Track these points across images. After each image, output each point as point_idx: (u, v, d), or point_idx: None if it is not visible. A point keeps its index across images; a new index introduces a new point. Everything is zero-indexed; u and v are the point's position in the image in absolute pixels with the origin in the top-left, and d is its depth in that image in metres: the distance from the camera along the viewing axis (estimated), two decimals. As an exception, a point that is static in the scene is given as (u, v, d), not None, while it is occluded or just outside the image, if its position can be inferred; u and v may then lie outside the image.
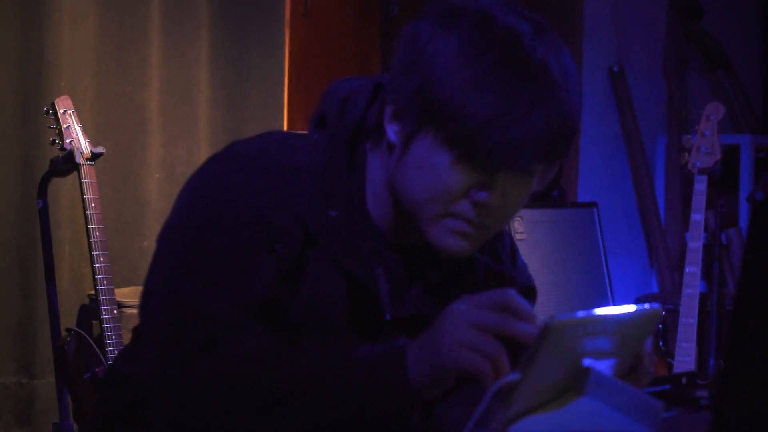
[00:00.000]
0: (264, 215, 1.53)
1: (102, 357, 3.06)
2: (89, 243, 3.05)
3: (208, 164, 1.61)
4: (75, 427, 3.12)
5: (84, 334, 3.11)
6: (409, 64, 1.53)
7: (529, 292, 1.80)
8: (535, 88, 1.48)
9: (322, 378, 1.46)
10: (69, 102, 3.13)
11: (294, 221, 1.54)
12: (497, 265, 1.72)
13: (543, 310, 3.77)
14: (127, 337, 2.57)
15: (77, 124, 3.10)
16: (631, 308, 1.40)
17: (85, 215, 3.06)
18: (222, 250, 1.52)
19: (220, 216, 1.54)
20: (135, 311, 2.98)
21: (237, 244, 1.52)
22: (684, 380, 2.16)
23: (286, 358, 1.49)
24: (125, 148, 3.61)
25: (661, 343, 4.23)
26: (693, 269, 3.91)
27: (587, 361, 1.36)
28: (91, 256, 3.05)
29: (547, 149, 1.51)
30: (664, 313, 1.40)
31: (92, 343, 3.09)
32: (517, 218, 4.30)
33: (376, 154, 1.61)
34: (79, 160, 3.07)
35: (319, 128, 1.63)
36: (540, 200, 4.61)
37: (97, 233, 3.05)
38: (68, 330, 3.12)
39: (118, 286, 3.14)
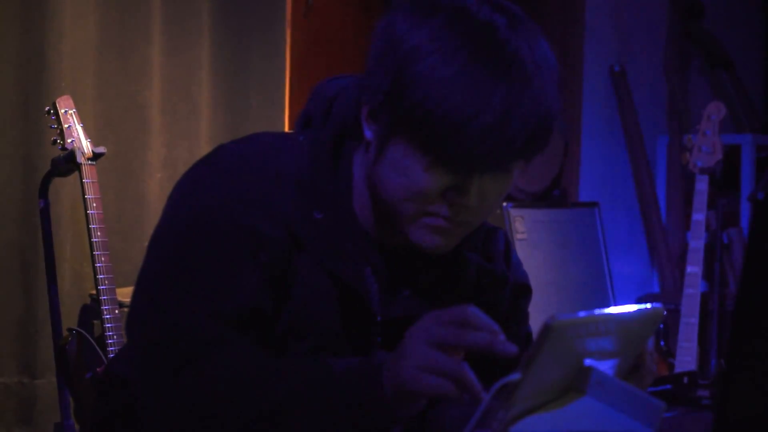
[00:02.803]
0: (248, 223, 1.51)
1: (103, 357, 3.06)
2: (90, 243, 3.05)
3: (193, 170, 1.59)
4: (76, 426, 3.12)
5: (85, 333, 3.10)
6: (383, 62, 1.51)
7: (524, 290, 1.78)
8: (509, 89, 1.45)
9: (301, 396, 1.44)
10: (70, 102, 3.13)
11: (279, 227, 1.52)
12: (489, 264, 1.71)
13: (544, 309, 3.77)
14: (128, 337, 2.57)
15: (78, 124, 3.10)
16: (632, 308, 1.40)
17: (87, 215, 3.06)
18: (205, 260, 1.51)
19: (203, 225, 1.52)
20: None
21: (220, 254, 1.51)
22: (685, 380, 2.16)
23: (268, 373, 1.47)
24: (126, 147, 3.61)
25: (662, 343, 4.23)
26: (694, 269, 3.91)
27: (588, 361, 1.36)
28: (93, 255, 3.05)
29: (523, 149, 1.48)
30: (665, 313, 1.39)
31: (93, 342, 3.09)
32: (518, 218, 4.30)
33: (359, 153, 1.60)
34: (80, 159, 3.07)
35: (306, 129, 1.62)
36: (541, 200, 4.62)
37: (99, 233, 3.05)
38: (69, 330, 3.11)
39: (120, 286, 3.14)
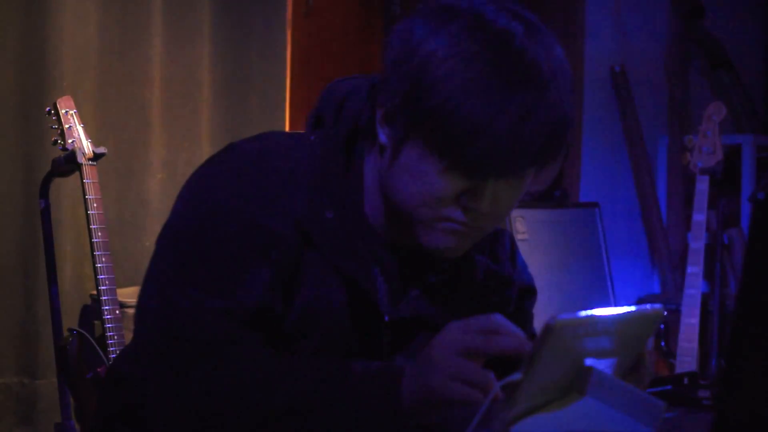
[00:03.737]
0: (259, 221, 1.52)
1: (104, 357, 3.06)
2: (91, 243, 3.05)
3: (205, 168, 1.59)
4: (77, 427, 3.12)
5: (86, 334, 3.11)
6: (400, 66, 1.51)
7: (529, 292, 1.79)
8: (526, 95, 1.46)
9: (316, 397, 1.44)
10: (71, 102, 3.13)
11: (290, 225, 1.53)
12: (496, 266, 1.71)
13: (545, 310, 3.77)
14: (128, 337, 2.57)
15: (79, 125, 3.11)
16: (632, 308, 1.40)
17: (87, 215, 3.06)
18: (216, 258, 1.51)
19: (215, 223, 1.52)
20: (137, 311, 2.97)
21: (231, 252, 1.51)
22: (686, 380, 2.16)
23: (280, 372, 1.47)
24: (127, 148, 3.61)
25: (662, 343, 4.23)
26: (695, 269, 3.91)
27: (589, 361, 1.36)
28: (93, 256, 3.05)
29: (538, 156, 1.49)
30: (666, 313, 1.39)
31: (94, 343, 3.09)
32: (519, 218, 4.30)
33: (371, 154, 1.60)
34: (81, 160, 3.07)
35: (317, 129, 1.63)
36: (542, 200, 4.62)
37: (99, 233, 3.05)
38: (70, 330, 3.12)
39: (120, 286, 3.14)
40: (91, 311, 3.35)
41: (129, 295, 3.21)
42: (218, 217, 1.53)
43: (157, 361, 1.50)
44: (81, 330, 3.12)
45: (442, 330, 1.42)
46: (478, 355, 1.38)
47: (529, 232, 4.32)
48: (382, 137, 1.55)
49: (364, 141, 1.61)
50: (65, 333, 3.11)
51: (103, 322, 3.04)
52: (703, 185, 3.97)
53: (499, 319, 1.39)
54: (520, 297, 1.76)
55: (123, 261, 3.48)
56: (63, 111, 3.11)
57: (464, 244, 1.57)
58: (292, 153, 1.59)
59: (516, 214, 4.31)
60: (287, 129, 4.01)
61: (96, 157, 3.10)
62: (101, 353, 3.07)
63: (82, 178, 3.08)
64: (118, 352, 3.01)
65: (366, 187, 1.60)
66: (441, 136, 1.47)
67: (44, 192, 3.11)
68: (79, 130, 3.10)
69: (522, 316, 1.76)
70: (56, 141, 3.10)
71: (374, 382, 1.44)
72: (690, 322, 3.87)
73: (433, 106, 1.47)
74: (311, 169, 1.57)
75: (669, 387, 2.11)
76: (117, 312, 3.06)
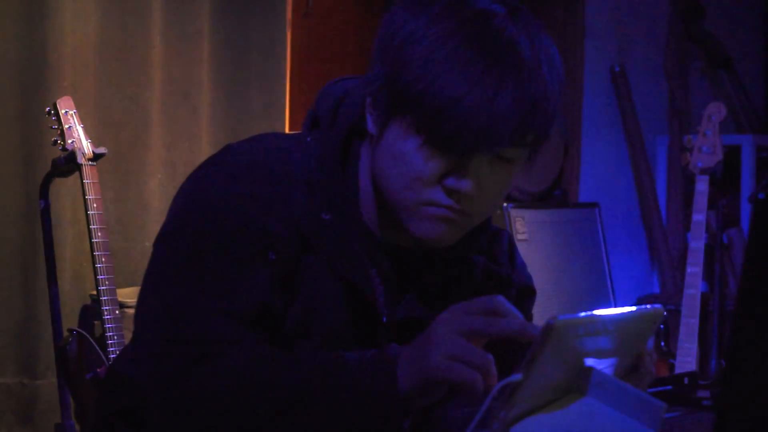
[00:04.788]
0: (257, 222, 1.52)
1: (104, 357, 3.06)
2: (91, 243, 3.05)
3: (201, 170, 1.59)
4: (77, 427, 3.12)
5: (86, 334, 3.11)
6: (381, 52, 1.52)
7: (528, 292, 1.78)
8: (503, 69, 1.45)
9: (314, 391, 1.44)
10: (71, 102, 3.13)
11: (288, 227, 1.53)
12: (495, 266, 1.71)
13: (544, 310, 3.78)
14: (128, 337, 2.57)
15: (79, 125, 3.11)
16: (632, 308, 1.40)
17: (87, 215, 3.06)
18: (215, 260, 1.51)
19: (213, 225, 1.52)
20: (137, 311, 2.97)
21: (230, 254, 1.51)
22: (686, 381, 2.16)
23: (279, 369, 1.47)
24: (127, 148, 3.61)
25: (662, 344, 4.23)
26: (694, 269, 3.91)
27: (589, 361, 1.36)
28: (93, 256, 3.05)
29: (516, 132, 1.47)
30: (665, 313, 1.39)
31: (94, 343, 3.09)
32: (518, 218, 4.30)
33: (365, 153, 1.60)
34: (80, 160, 3.07)
35: (313, 130, 1.63)
36: (542, 200, 4.62)
37: (99, 233, 3.05)
38: (70, 330, 3.12)
39: (120, 286, 3.14)
40: (91, 311, 3.35)
41: (129, 295, 3.21)
42: (215, 219, 1.53)
43: (156, 362, 1.50)
44: (81, 330, 3.12)
45: (444, 311, 1.42)
46: (480, 336, 1.38)
47: (528, 232, 4.32)
48: (370, 125, 1.55)
49: (361, 142, 1.60)
50: (65, 333, 3.11)
51: (103, 322, 3.04)
52: (702, 185, 3.97)
53: (501, 300, 1.39)
54: (519, 297, 1.76)
55: (123, 261, 3.48)
56: (63, 111, 3.11)
57: (453, 232, 1.55)
58: (289, 155, 1.58)
59: (516, 214, 4.31)
60: (287, 129, 4.01)
61: (96, 157, 3.10)
62: (101, 353, 3.07)
63: (82, 179, 3.08)
64: (118, 352, 3.01)
65: (362, 188, 1.60)
66: (417, 112, 1.47)
67: (44, 192, 3.11)
68: (79, 130, 3.10)
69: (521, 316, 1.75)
70: (56, 141, 3.10)
71: (369, 368, 1.44)
72: (690, 322, 3.87)
73: (409, 83, 1.47)
74: (308, 171, 1.57)
75: (669, 387, 2.11)
76: (117, 312, 3.06)
